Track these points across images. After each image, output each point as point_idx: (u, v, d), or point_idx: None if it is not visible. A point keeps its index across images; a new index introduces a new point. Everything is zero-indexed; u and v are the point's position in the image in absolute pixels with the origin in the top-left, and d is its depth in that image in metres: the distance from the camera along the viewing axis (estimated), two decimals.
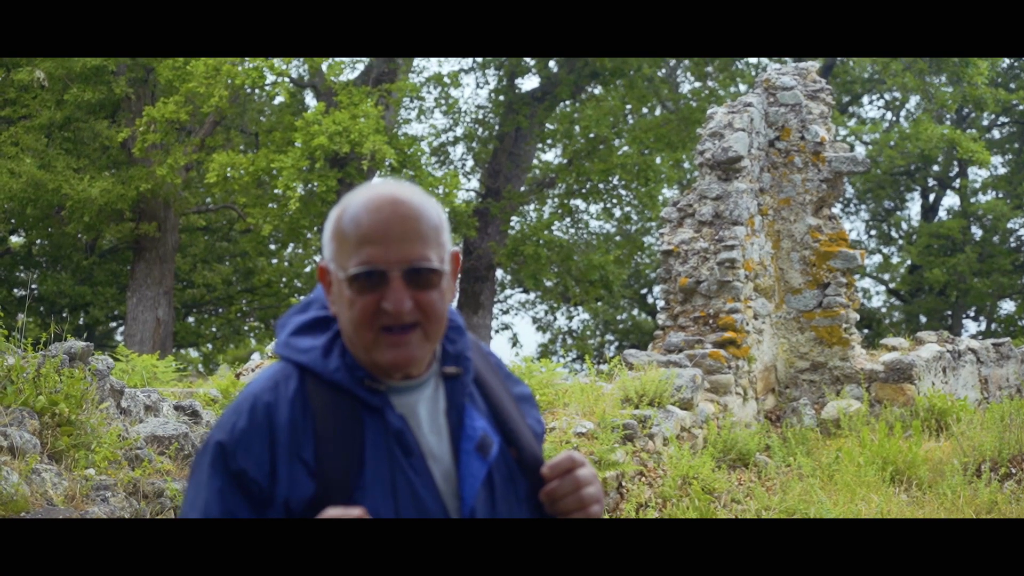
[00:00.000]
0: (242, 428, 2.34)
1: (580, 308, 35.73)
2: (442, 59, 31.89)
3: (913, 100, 34.38)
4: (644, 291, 37.30)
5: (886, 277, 37.13)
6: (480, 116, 29.66)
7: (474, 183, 29.51)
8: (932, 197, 36.76)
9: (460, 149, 30.47)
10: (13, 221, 25.99)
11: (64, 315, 27.67)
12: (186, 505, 2.39)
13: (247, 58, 20.14)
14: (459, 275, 2.50)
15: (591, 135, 26.85)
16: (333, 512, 2.21)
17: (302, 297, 19.95)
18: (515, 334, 38.32)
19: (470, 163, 30.30)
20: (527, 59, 26.99)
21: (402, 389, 2.39)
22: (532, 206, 29.12)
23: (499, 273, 29.75)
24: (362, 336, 2.33)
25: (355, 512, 2.20)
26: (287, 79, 23.30)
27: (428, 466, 2.36)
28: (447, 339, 2.45)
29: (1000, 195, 34.72)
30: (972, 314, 36.04)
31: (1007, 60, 32.05)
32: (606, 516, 9.49)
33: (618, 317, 38.22)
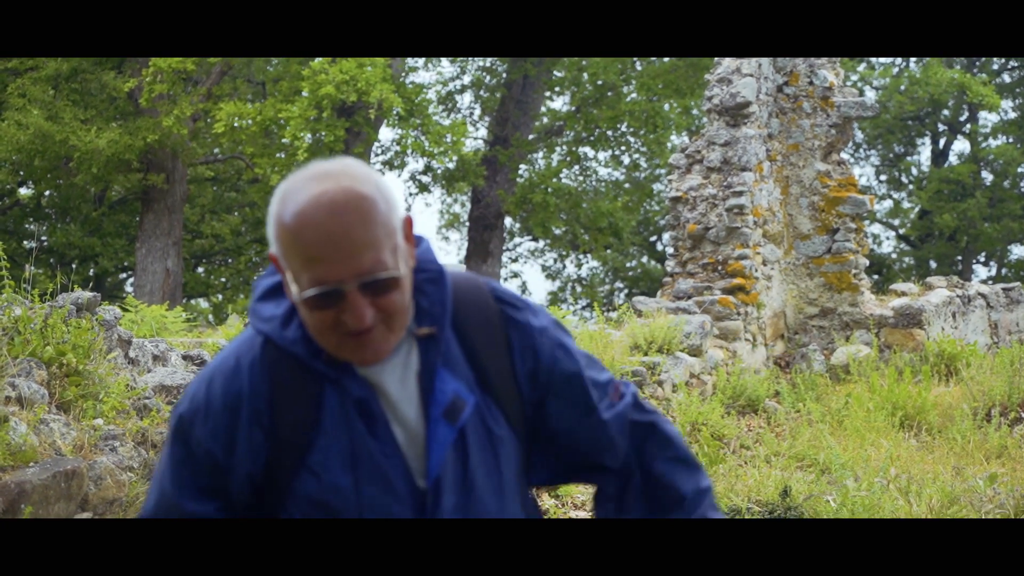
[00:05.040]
0: (200, 400, 2.32)
1: (589, 256, 35.71)
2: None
3: None
4: (653, 238, 37.25)
5: (896, 222, 37.04)
6: (487, 64, 29.52)
7: (482, 131, 29.45)
8: (942, 142, 36.58)
9: (468, 97, 30.46)
10: (21, 173, 25.98)
11: (73, 266, 27.73)
12: (154, 475, 2.40)
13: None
14: (415, 235, 2.31)
15: (599, 82, 26.73)
16: None
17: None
18: (524, 282, 38.29)
19: (478, 111, 30.22)
20: None
21: None
22: (540, 154, 29.04)
23: (508, 221, 29.71)
24: (325, 341, 2.22)
25: None
26: None
27: (392, 434, 2.28)
28: (419, 292, 2.33)
29: (1010, 140, 34.56)
30: (982, 259, 36.00)
31: None
32: None
33: (627, 264, 38.22)
